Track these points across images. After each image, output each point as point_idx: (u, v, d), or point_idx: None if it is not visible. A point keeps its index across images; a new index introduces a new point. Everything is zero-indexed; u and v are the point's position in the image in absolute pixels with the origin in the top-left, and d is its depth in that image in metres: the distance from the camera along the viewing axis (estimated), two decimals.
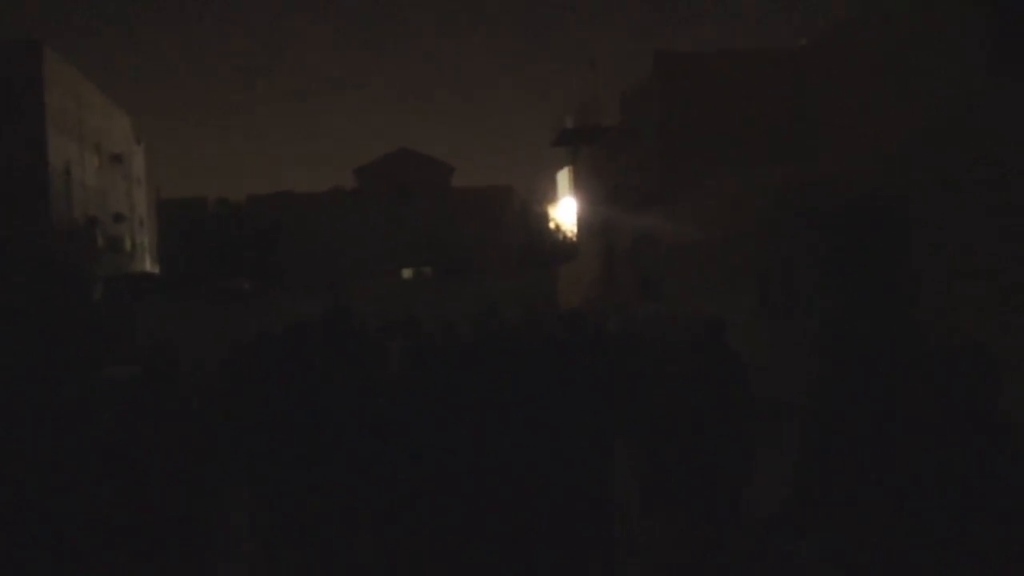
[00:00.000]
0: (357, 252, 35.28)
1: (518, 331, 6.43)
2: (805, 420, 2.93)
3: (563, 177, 57.23)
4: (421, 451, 4.06)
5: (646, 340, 7.45)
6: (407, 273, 38.03)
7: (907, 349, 7.72)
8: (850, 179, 9.68)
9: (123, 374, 9.28)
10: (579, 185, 26.12)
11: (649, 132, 15.68)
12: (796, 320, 9.97)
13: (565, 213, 43.82)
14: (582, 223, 25.92)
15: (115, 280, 27.28)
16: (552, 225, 41.70)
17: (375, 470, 4.21)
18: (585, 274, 24.44)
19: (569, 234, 40.00)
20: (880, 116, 12.45)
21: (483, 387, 4.41)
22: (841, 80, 13.88)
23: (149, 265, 40.28)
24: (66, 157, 31.10)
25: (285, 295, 26.74)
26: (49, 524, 3.72)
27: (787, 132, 12.32)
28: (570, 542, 4.24)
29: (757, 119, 13.85)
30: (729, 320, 5.26)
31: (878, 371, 2.91)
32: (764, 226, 11.53)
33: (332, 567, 4.46)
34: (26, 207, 27.19)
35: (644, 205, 16.15)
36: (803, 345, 9.24)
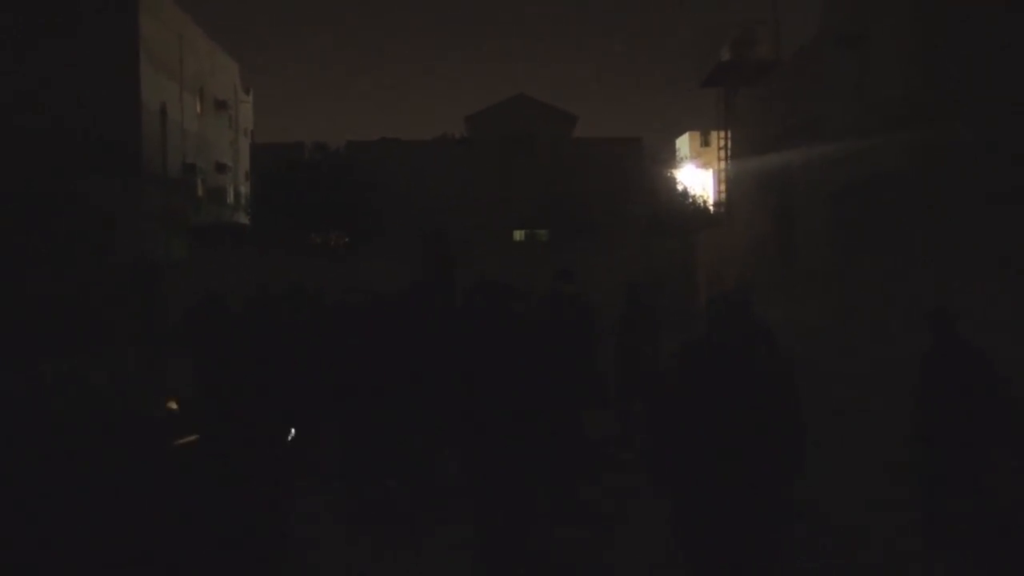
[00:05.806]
0: (465, 208, 31.78)
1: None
2: None
3: (683, 143, 52.11)
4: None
5: None
6: (518, 235, 34.28)
7: None
8: None
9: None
10: (735, 132, 21.42)
11: (894, 31, 11.05)
12: None
13: (689, 179, 39.21)
14: (737, 178, 21.28)
15: (201, 230, 25.13)
16: (680, 188, 37.00)
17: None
18: (738, 243, 19.91)
19: (701, 200, 35.51)
20: None
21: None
22: None
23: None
24: (162, 97, 28.93)
25: (382, 252, 23.87)
26: None
27: None
28: None
29: None
30: None
31: None
32: None
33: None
34: (115, 150, 25.02)
35: (869, 137, 11.61)
36: None
